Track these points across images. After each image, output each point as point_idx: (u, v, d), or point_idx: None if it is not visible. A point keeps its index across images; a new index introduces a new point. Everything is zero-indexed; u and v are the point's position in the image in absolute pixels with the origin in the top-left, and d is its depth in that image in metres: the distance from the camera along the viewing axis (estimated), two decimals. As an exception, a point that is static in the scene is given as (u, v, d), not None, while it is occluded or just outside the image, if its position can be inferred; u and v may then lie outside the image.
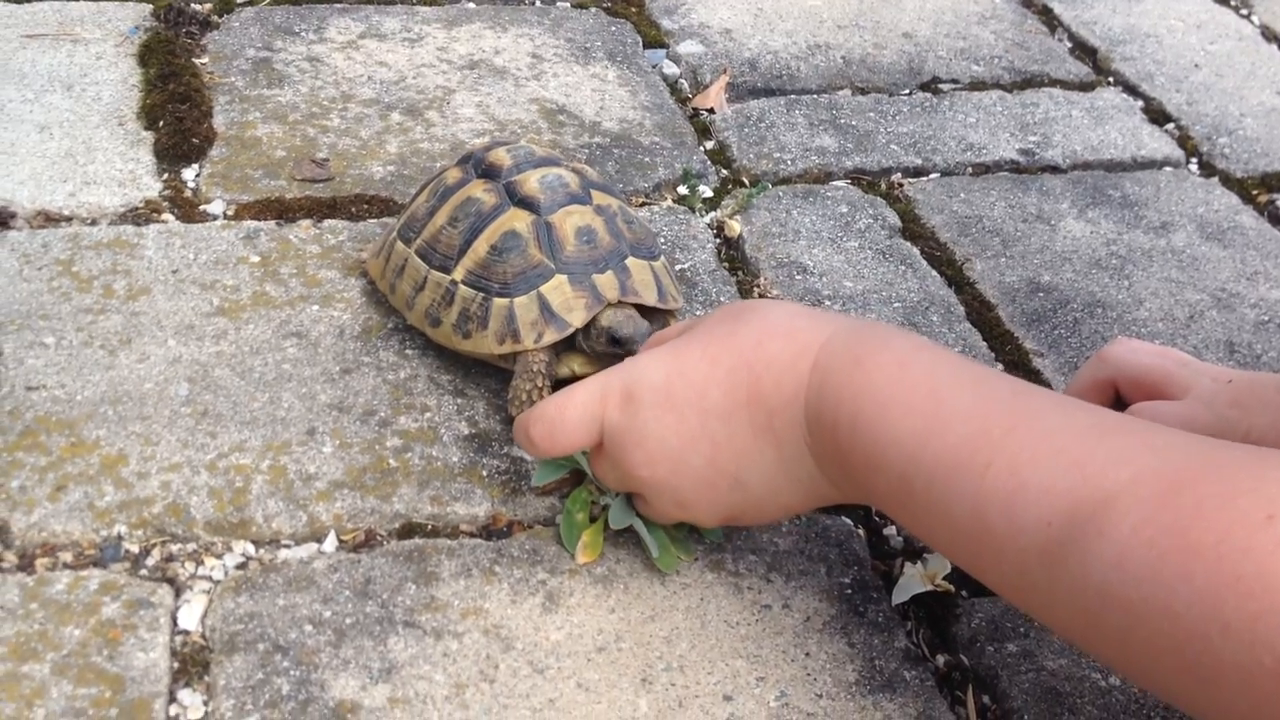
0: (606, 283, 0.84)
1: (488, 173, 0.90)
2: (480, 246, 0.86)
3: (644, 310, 0.86)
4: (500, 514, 0.78)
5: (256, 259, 1.00)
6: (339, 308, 0.95)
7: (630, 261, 0.86)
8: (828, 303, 1.01)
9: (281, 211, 1.06)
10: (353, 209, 1.08)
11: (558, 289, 0.84)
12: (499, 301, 0.84)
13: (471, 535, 0.77)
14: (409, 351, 0.91)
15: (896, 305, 1.01)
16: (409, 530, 0.77)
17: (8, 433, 0.81)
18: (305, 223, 1.05)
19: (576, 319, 0.83)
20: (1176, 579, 0.48)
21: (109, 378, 0.86)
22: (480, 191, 0.88)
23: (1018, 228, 1.12)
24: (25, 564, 0.73)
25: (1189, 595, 0.48)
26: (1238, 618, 0.46)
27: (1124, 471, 0.52)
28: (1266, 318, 1.02)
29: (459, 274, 0.86)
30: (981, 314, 1.01)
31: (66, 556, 0.74)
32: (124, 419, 0.83)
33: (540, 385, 0.83)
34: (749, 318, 0.69)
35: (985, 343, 0.97)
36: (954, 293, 1.03)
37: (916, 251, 1.08)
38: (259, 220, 1.05)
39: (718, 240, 1.09)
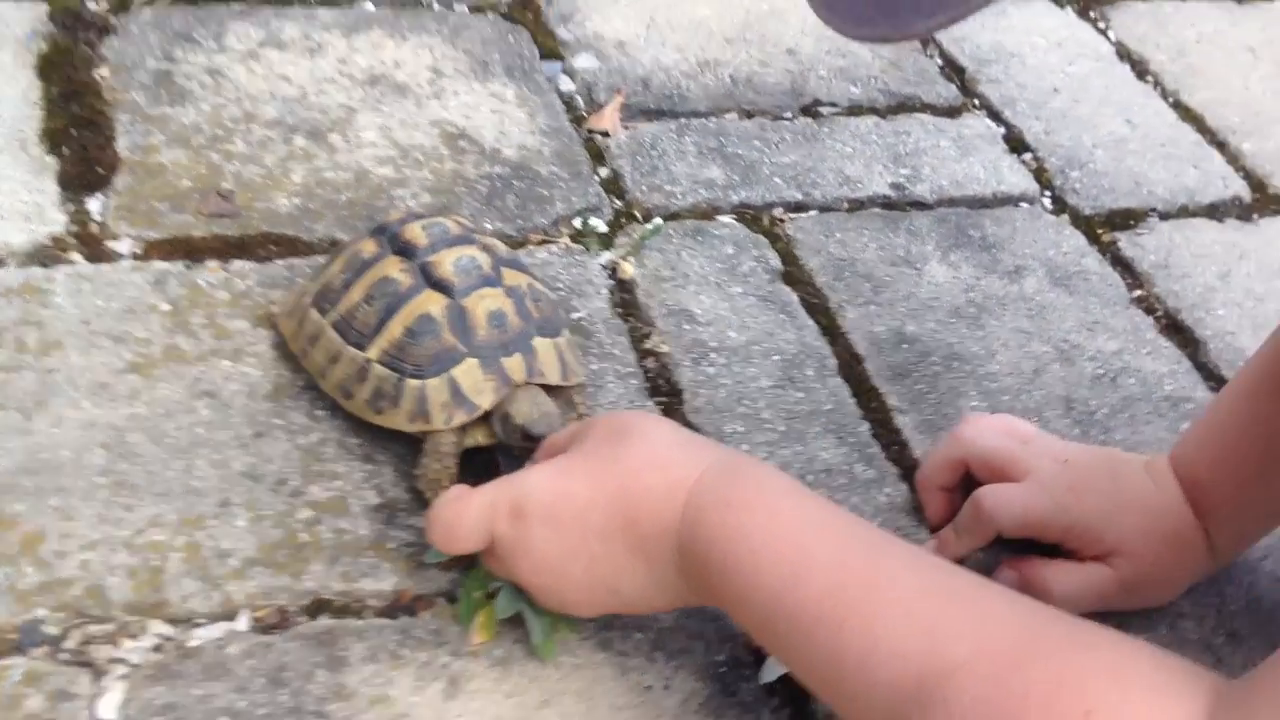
0: (514, 365, 0.86)
1: (403, 250, 0.91)
2: (395, 328, 0.87)
3: (549, 386, 0.88)
4: (406, 589, 0.81)
5: (167, 307, 0.99)
6: (250, 363, 0.95)
7: (536, 341, 0.88)
8: (714, 355, 1.04)
9: (189, 251, 1.05)
10: (259, 250, 1.07)
11: (469, 372, 0.85)
12: (412, 383, 0.85)
13: (379, 613, 0.79)
14: (318, 413, 0.92)
15: (775, 358, 1.04)
16: (319, 608, 0.79)
17: (-74, 508, 0.81)
18: (213, 264, 1.04)
19: (485, 402, 0.85)
20: None
21: (25, 445, 0.86)
22: (396, 271, 0.89)
23: (887, 272, 1.16)
24: (-51, 652, 0.73)
25: None
26: None
27: (965, 645, 0.56)
28: (1102, 371, 1.08)
29: (374, 353, 0.87)
30: (851, 367, 1.05)
31: (-11, 642, 0.74)
32: (42, 491, 0.83)
33: (448, 465, 0.85)
34: (631, 442, 0.72)
35: (854, 399, 1.01)
36: (828, 343, 1.07)
37: (795, 298, 1.11)
38: (168, 261, 1.04)
39: (612, 283, 1.10)
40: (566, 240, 1.15)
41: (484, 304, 0.87)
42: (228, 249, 1.06)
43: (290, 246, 1.08)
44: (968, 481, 0.87)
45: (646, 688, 0.76)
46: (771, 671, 0.77)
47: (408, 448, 0.90)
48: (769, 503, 0.68)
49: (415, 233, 0.92)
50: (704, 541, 0.68)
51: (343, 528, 0.84)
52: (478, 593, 0.79)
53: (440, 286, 0.88)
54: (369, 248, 0.93)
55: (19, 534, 0.80)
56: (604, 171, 1.25)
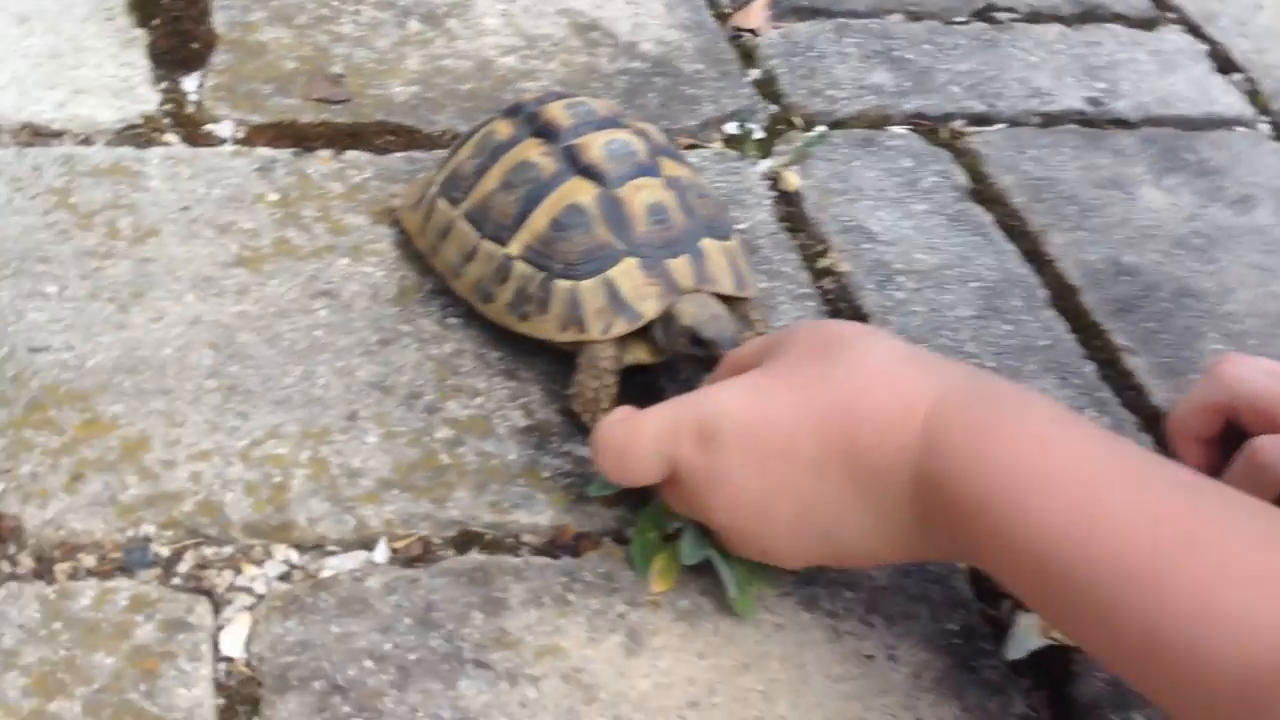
0: (681, 269, 0.78)
1: (543, 132, 0.82)
2: (539, 220, 0.79)
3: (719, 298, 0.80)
4: (567, 526, 0.73)
5: (275, 197, 0.92)
6: (370, 262, 0.88)
7: (705, 244, 0.80)
8: (901, 278, 0.95)
9: (297, 138, 0.98)
10: (376, 140, 0.99)
11: (628, 274, 0.77)
12: (561, 284, 0.77)
13: (537, 550, 0.72)
14: (451, 321, 0.84)
15: (975, 285, 0.95)
16: (467, 541, 0.72)
17: (13, 405, 0.74)
18: (324, 154, 0.97)
19: (649, 309, 0.77)
20: None
21: (122, 339, 0.79)
22: (537, 155, 0.81)
23: (1093, 194, 1.07)
24: (44, 570, 0.67)
25: None
26: None
27: None
28: (1360, 318, 0.98)
29: (515, 248, 0.79)
30: (1065, 299, 0.96)
31: (89, 560, 0.68)
32: (143, 392, 0.76)
33: (607, 383, 0.77)
34: (842, 357, 0.63)
35: (1072, 335, 0.92)
36: (1033, 272, 0.98)
37: (989, 219, 1.02)
38: (273, 148, 0.96)
39: (774, 194, 1.02)
40: (719, 145, 1.07)
41: (642, 196, 0.79)
42: (339, 138, 0.99)
43: (409, 137, 1.00)
44: (1229, 433, 0.78)
45: (867, 656, 0.68)
46: (1021, 645, 0.69)
47: (556, 365, 0.82)
48: (1037, 430, 0.59)
49: (557, 113, 0.83)
50: (953, 476, 0.59)
51: (488, 451, 0.76)
52: (653, 533, 0.71)
53: (589, 173, 0.80)
54: (503, 129, 0.84)
55: (118, 438, 0.73)
56: (755, 72, 1.16)
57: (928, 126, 1.13)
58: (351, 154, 0.97)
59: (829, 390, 0.63)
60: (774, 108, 1.12)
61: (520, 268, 0.79)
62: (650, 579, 0.70)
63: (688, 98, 1.10)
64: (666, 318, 0.77)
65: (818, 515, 0.63)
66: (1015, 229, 1.02)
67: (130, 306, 0.81)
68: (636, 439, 0.66)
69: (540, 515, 0.74)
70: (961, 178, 1.06)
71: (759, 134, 1.08)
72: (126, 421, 0.74)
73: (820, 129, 1.09)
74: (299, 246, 0.88)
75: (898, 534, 0.63)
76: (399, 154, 0.98)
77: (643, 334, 0.79)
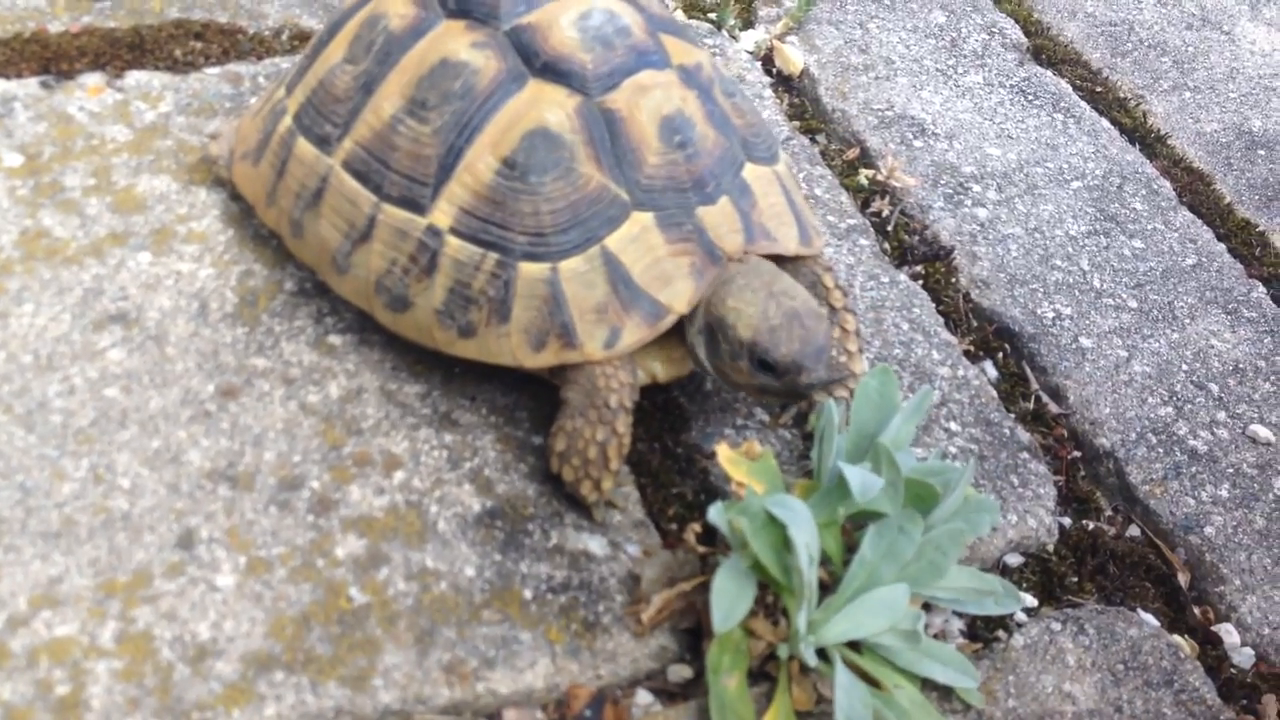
0: (720, 220, 0.46)
1: (468, 6, 0.49)
2: (481, 161, 0.46)
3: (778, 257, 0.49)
4: (577, 684, 0.42)
5: (17, 160, 0.57)
6: (188, 255, 0.54)
7: (749, 173, 0.48)
8: (976, 188, 0.65)
9: (46, 60, 0.63)
10: (172, 50, 0.64)
11: (639, 240, 0.45)
12: (529, 270, 0.45)
13: (545, 752, 0.41)
14: (333, 339, 0.52)
15: (1076, 185, 0.66)
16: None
17: None
18: (92, 80, 0.62)
19: (680, 298, 0.45)
20: None
21: None
22: (465, 48, 0.48)
23: (1185, 40, 0.78)
24: None
25: None
26: None
27: None
28: None
29: (443, 214, 0.47)
30: (1196, 190, 0.67)
31: None
32: None
33: (619, 430, 0.45)
34: None
35: (1223, 244, 0.64)
36: (1144, 156, 0.68)
37: (1067, 86, 0.72)
38: (6, 78, 0.61)
39: (772, 80, 0.70)
40: (679, 15, 0.74)
41: (650, 103, 0.47)
42: (113, 52, 0.65)
43: (224, 42, 0.66)
44: None
45: None
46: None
47: (515, 392, 0.50)
48: None
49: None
50: None
51: (428, 568, 0.45)
52: (735, 674, 0.41)
53: (557, 72, 0.47)
54: (398, 8, 0.51)
55: None
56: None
57: (940, -35, 0.82)
58: (135, 76, 0.63)
59: None
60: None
61: (454, 246, 0.46)
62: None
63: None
64: (710, 313, 0.46)
65: None
66: (1101, 97, 0.73)
67: None
68: None
69: (532, 671, 0.43)
70: (1014, 32, 0.76)
71: (729, -8, 0.76)
72: None
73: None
74: (63, 241, 0.53)
75: None
76: (212, 70, 0.64)
77: (666, 334, 0.48)
